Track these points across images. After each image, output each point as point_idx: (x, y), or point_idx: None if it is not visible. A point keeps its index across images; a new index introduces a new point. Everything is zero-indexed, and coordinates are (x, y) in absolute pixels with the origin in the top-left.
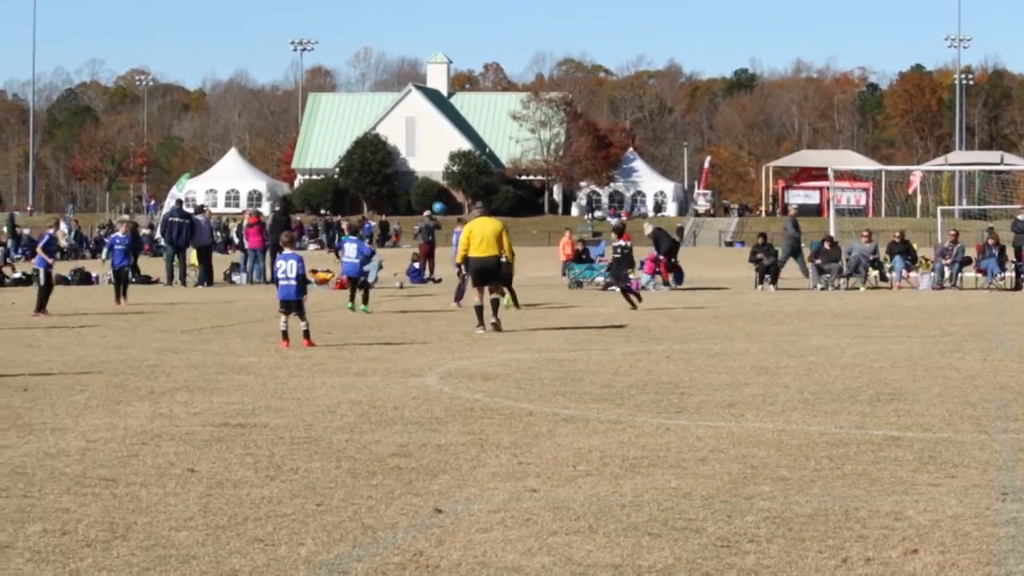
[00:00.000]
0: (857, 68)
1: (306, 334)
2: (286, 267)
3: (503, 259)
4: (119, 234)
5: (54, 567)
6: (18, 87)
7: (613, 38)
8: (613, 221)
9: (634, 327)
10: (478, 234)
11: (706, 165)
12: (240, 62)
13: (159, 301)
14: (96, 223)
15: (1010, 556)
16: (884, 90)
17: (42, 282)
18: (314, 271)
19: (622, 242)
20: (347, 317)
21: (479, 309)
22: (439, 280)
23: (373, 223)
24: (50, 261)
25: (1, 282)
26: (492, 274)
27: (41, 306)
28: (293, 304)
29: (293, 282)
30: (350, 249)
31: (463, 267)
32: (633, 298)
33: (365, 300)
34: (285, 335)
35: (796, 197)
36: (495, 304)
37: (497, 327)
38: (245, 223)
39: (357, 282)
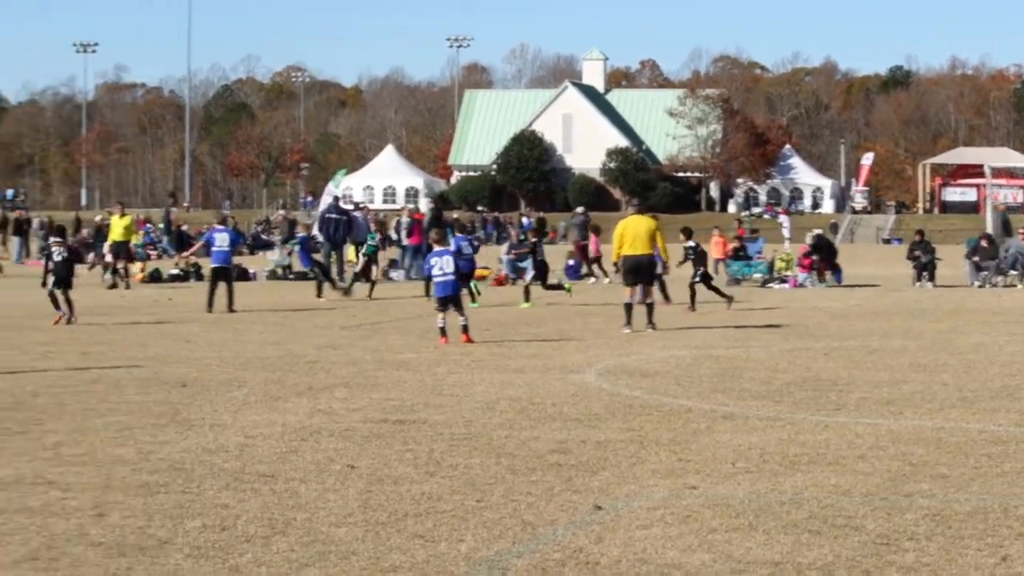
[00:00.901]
0: (1013, 65)
1: (464, 329)
2: (442, 263)
3: (656, 258)
4: (303, 234)
5: (213, 563)
6: (174, 84)
7: (769, 35)
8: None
9: (792, 324)
10: (631, 232)
11: (865, 162)
12: (396, 59)
13: (317, 297)
14: (253, 219)
15: None
16: None
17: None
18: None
19: (691, 243)
20: (505, 314)
21: (628, 307)
22: (596, 277)
23: (530, 219)
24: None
25: (159, 278)
26: (645, 273)
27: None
28: (451, 300)
29: (450, 278)
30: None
31: (617, 265)
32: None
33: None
34: (443, 331)
35: (953, 194)
36: (650, 308)
37: (653, 327)
38: (405, 219)
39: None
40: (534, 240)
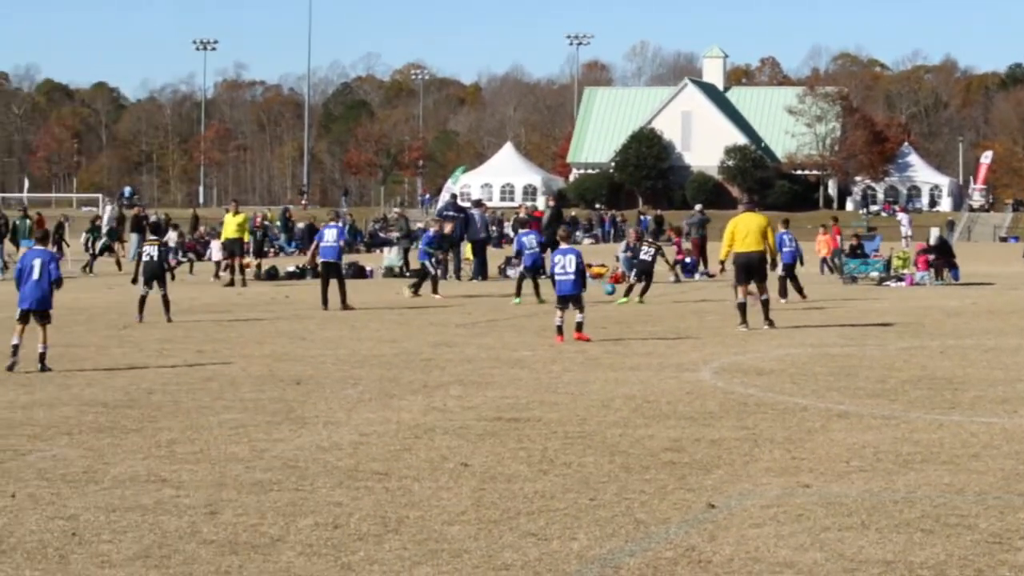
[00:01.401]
0: None
1: (579, 326)
2: (564, 262)
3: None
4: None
5: (325, 560)
6: (294, 81)
7: (889, 32)
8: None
9: (907, 323)
10: (743, 229)
11: (984, 160)
12: (516, 56)
13: (432, 295)
14: (371, 216)
15: None
16: None
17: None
18: (589, 265)
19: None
20: (621, 312)
21: (742, 307)
22: (713, 275)
23: (648, 217)
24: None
25: (276, 275)
26: (756, 270)
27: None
28: (571, 298)
29: (572, 276)
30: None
31: (724, 263)
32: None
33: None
34: (560, 330)
35: None
36: (766, 305)
37: (771, 324)
38: (522, 216)
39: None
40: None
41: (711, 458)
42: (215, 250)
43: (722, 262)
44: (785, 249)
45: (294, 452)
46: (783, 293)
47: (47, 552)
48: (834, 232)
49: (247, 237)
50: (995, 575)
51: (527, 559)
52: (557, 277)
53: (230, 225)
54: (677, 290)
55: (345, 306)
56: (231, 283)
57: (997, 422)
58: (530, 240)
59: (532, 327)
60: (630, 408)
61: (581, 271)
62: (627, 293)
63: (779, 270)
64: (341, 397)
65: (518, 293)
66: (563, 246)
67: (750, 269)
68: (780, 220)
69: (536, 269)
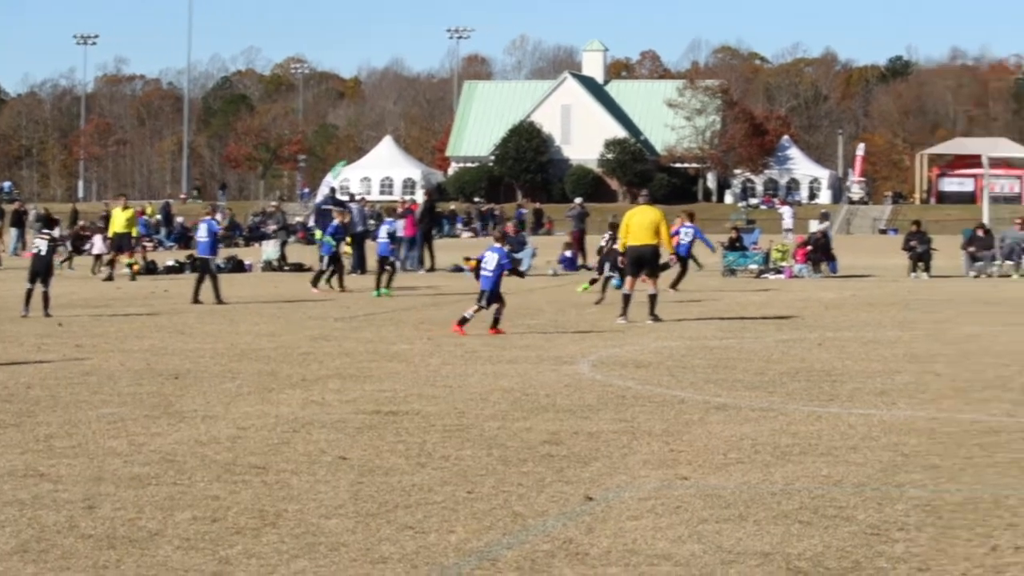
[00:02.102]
0: (1012, 55)
1: (495, 322)
2: (489, 258)
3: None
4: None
5: (203, 554)
6: (173, 75)
7: (768, 25)
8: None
9: (787, 315)
10: (636, 223)
11: (859, 152)
12: (395, 50)
13: (311, 289)
14: (250, 211)
15: None
16: None
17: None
18: (467, 259)
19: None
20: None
21: (626, 298)
22: (592, 267)
23: (525, 210)
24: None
25: (155, 270)
26: (648, 263)
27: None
28: (491, 295)
29: (490, 274)
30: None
31: (624, 255)
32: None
33: (388, 284)
34: (465, 321)
35: (950, 185)
36: (652, 300)
37: (656, 318)
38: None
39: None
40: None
41: (589, 451)
42: (97, 244)
43: (622, 253)
44: (683, 242)
45: (172, 446)
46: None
47: None
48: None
49: (135, 232)
50: (872, 566)
51: (405, 552)
52: (481, 272)
53: (119, 219)
54: (556, 283)
55: (219, 301)
56: (110, 277)
57: (875, 414)
58: (382, 231)
59: (410, 320)
60: (508, 401)
61: (503, 269)
62: (388, 284)
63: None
64: (219, 391)
65: (377, 287)
66: (495, 245)
67: (641, 262)
68: (685, 213)
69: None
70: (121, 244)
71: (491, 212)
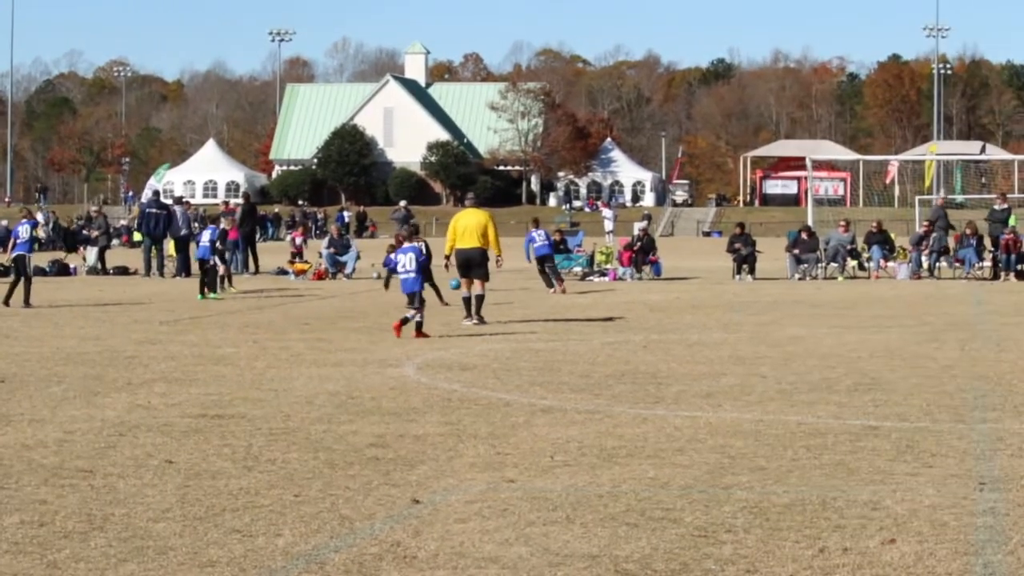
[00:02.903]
0: (835, 58)
1: (418, 326)
2: (405, 260)
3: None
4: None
5: (31, 558)
6: None
7: (591, 28)
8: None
9: (612, 318)
10: (463, 226)
11: (679, 155)
12: (218, 53)
13: (136, 292)
14: (74, 214)
15: (988, 545)
16: (862, 80)
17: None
18: (292, 261)
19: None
20: (324, 308)
21: (467, 300)
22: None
23: (348, 213)
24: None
25: None
26: (476, 266)
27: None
28: (415, 295)
29: (413, 274)
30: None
31: (448, 258)
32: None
33: (212, 287)
34: (406, 321)
35: (774, 187)
36: (479, 300)
37: (481, 321)
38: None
39: (205, 268)
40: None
41: (415, 454)
42: None
43: (447, 257)
44: (537, 244)
45: None
46: (549, 283)
47: None
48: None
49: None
50: (700, 568)
51: (232, 555)
52: (400, 275)
53: None
54: (380, 285)
55: (27, 304)
56: None
57: (701, 416)
58: (204, 235)
59: (236, 324)
60: (334, 404)
61: (423, 267)
62: (212, 288)
63: (534, 264)
64: (45, 395)
65: (214, 289)
66: (404, 244)
67: (469, 264)
68: (531, 219)
69: (204, 262)
70: None
71: (315, 216)
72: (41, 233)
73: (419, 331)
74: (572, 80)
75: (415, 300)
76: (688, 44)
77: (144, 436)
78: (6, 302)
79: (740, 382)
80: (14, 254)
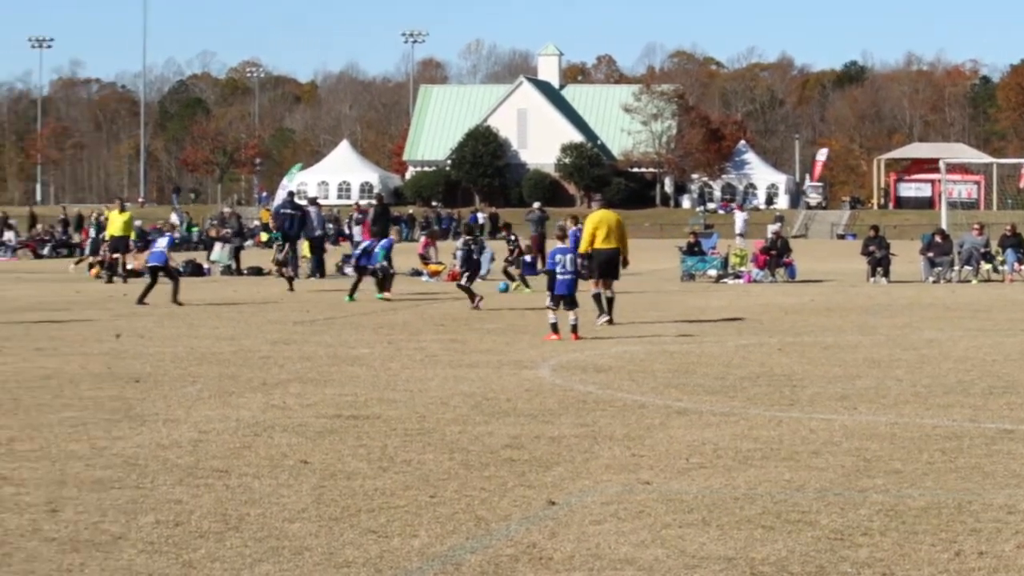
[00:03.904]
0: (968, 61)
1: (574, 328)
2: (564, 260)
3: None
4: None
5: (167, 558)
6: (129, 79)
7: (724, 30)
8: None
9: (747, 320)
10: (604, 226)
11: (820, 157)
12: (351, 54)
13: (271, 292)
14: (208, 215)
15: None
16: (996, 83)
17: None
18: (426, 262)
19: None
20: (459, 309)
21: (598, 297)
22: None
23: (482, 214)
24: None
25: (114, 273)
26: (615, 266)
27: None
28: (566, 298)
29: (570, 276)
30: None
31: (586, 258)
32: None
33: (382, 287)
34: (555, 328)
35: (908, 190)
36: (610, 303)
37: (611, 322)
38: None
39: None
40: (468, 237)
41: (551, 455)
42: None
43: (585, 256)
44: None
45: (134, 450)
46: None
47: None
48: None
49: (133, 235)
50: (836, 571)
51: (368, 556)
52: (558, 276)
53: (116, 223)
54: (515, 287)
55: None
56: (110, 280)
57: (836, 418)
58: (369, 246)
59: (370, 324)
60: (469, 405)
61: (578, 271)
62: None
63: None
64: (180, 395)
65: (352, 292)
66: (559, 245)
67: (608, 264)
68: (569, 216)
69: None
70: (118, 246)
71: (451, 217)
72: (176, 233)
73: (571, 332)
74: (705, 82)
75: (570, 303)
76: (821, 46)
77: (279, 436)
78: (141, 301)
79: (875, 385)
80: (150, 263)
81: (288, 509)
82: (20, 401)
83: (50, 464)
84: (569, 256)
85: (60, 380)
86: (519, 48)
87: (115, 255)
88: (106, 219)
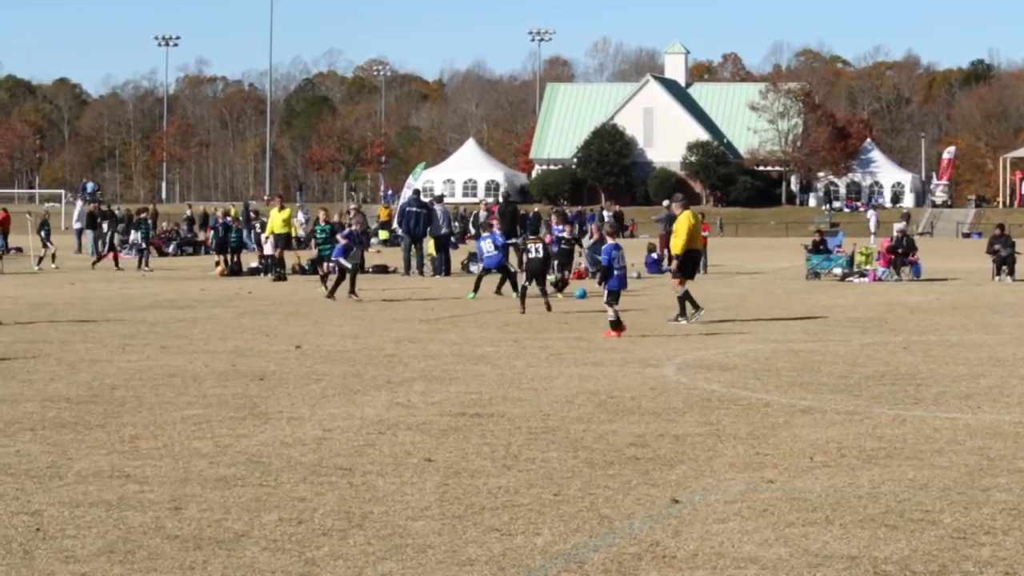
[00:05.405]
0: None
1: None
2: (618, 256)
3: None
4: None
5: (290, 555)
6: (255, 77)
7: (851, 28)
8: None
9: (871, 318)
10: (695, 228)
11: (947, 155)
12: (477, 52)
13: (397, 290)
14: (335, 213)
15: None
16: None
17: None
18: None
19: (565, 234)
20: (583, 307)
21: (688, 294)
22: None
23: (608, 213)
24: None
25: (239, 270)
26: (696, 267)
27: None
28: (618, 294)
29: (624, 271)
30: (486, 245)
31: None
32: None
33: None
34: (614, 324)
35: None
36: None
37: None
38: (482, 213)
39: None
40: (568, 236)
41: (675, 453)
42: (268, 246)
43: (678, 258)
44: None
45: (258, 447)
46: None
47: (11, 547)
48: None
49: (294, 232)
50: (959, 570)
51: (491, 554)
52: (615, 271)
53: (276, 220)
54: (640, 285)
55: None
56: (280, 277)
57: (960, 417)
58: (487, 245)
59: (495, 323)
60: (594, 404)
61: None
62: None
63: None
64: (304, 392)
65: (476, 289)
66: (610, 241)
67: (696, 264)
68: (556, 213)
69: (501, 267)
70: (279, 243)
71: (579, 215)
72: (300, 231)
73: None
74: (832, 80)
75: (618, 298)
76: (948, 45)
77: (403, 434)
78: (331, 295)
79: (1000, 384)
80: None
81: (411, 507)
82: (144, 399)
83: (174, 462)
84: (620, 252)
85: (184, 378)
86: (645, 46)
87: (278, 251)
88: (232, 217)
